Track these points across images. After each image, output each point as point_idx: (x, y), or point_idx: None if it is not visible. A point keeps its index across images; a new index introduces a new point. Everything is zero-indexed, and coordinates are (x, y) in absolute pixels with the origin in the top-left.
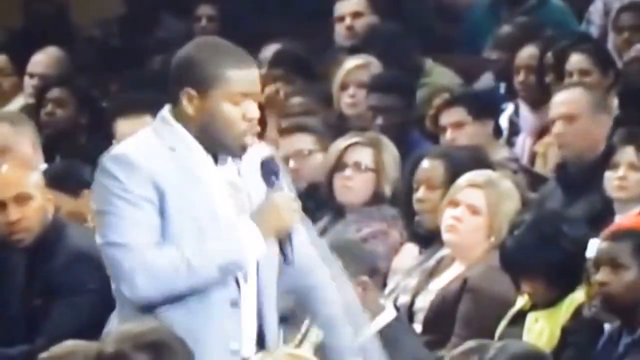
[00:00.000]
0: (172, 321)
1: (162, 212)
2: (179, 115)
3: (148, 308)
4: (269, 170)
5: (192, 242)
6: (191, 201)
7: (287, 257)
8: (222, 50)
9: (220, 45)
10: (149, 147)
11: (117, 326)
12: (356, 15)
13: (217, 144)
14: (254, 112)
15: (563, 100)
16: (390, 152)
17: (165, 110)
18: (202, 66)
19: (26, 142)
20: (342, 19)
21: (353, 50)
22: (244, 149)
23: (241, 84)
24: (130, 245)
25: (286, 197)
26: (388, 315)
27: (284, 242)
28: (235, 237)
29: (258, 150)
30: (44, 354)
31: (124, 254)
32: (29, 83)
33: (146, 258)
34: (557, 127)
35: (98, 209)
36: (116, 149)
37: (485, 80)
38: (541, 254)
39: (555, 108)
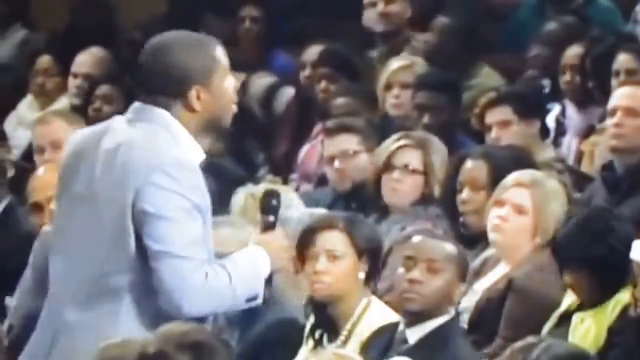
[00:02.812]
0: None
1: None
2: (182, 118)
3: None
4: (268, 207)
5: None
6: (208, 209)
7: (264, 297)
8: (201, 38)
9: (192, 35)
10: (188, 153)
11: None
12: (389, 1)
13: (214, 123)
14: (233, 79)
15: (628, 93)
16: (439, 152)
17: (169, 116)
18: (199, 60)
19: None
20: (374, 4)
21: (384, 36)
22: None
23: (225, 58)
24: (195, 260)
25: (279, 237)
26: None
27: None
28: (258, 272)
29: None
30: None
31: (189, 269)
32: (73, 83)
33: (207, 277)
34: (617, 117)
35: (156, 213)
36: (173, 152)
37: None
38: (589, 249)
39: (617, 100)
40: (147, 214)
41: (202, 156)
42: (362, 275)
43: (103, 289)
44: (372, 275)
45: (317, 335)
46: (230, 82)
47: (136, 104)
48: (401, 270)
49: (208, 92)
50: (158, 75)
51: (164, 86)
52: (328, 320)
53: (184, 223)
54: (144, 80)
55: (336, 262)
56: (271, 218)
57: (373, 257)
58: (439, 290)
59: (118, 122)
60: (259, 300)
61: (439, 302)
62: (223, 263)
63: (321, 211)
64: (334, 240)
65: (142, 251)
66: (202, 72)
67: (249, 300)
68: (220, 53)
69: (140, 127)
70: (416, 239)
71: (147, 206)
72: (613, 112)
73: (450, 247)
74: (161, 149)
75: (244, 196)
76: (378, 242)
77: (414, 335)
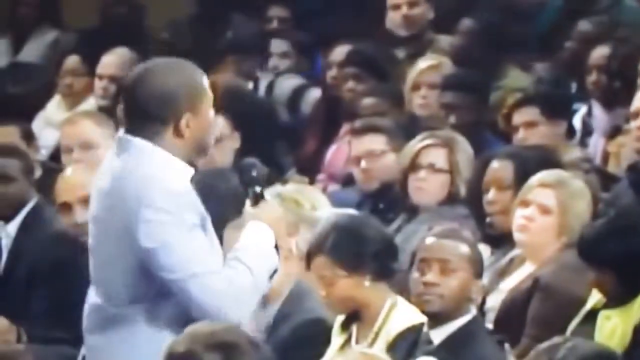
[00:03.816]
0: None
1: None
2: (169, 143)
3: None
4: (249, 180)
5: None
6: (206, 219)
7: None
8: (188, 66)
9: (181, 62)
10: (175, 173)
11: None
12: (412, 4)
13: (199, 151)
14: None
15: None
16: (465, 151)
17: (148, 147)
18: (194, 89)
19: (108, 143)
20: (397, 7)
21: (408, 40)
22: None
23: (207, 89)
24: (213, 271)
25: (271, 206)
26: (467, 315)
27: None
28: (266, 246)
29: None
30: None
31: (213, 282)
32: (98, 85)
33: (231, 281)
34: None
35: (158, 246)
36: (156, 183)
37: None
38: (615, 248)
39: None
40: (150, 250)
41: (190, 172)
42: (367, 283)
43: (116, 318)
44: (383, 276)
45: (346, 335)
46: (212, 112)
47: (118, 136)
48: (416, 274)
49: (196, 120)
50: (149, 102)
51: (154, 113)
52: (355, 321)
53: (187, 244)
54: (131, 108)
55: (333, 286)
56: (257, 189)
57: (375, 263)
58: (456, 290)
59: (108, 159)
60: (277, 270)
61: (457, 302)
62: (236, 256)
63: (348, 211)
64: (322, 268)
65: (152, 283)
66: (192, 99)
67: (270, 277)
68: (206, 82)
69: (124, 161)
70: (429, 240)
71: (146, 243)
72: (636, 115)
73: (462, 246)
74: (141, 184)
75: (272, 197)
76: (376, 246)
77: (438, 336)
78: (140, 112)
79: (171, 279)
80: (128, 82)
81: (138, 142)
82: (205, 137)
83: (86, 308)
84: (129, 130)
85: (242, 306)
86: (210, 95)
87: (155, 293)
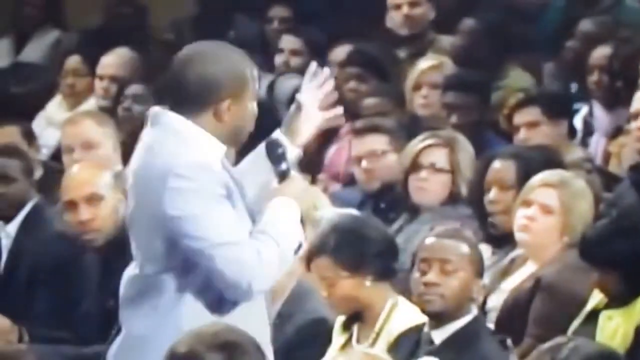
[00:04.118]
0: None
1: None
2: (208, 124)
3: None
4: (276, 156)
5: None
6: (233, 193)
7: None
8: (235, 54)
9: (229, 49)
10: (205, 146)
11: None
12: (413, 4)
13: (237, 138)
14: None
15: None
16: (466, 150)
17: (178, 120)
18: (240, 76)
19: (109, 142)
20: (398, 6)
21: (408, 40)
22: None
23: (254, 81)
24: (240, 241)
25: (297, 181)
26: (468, 315)
27: None
28: (293, 222)
29: None
30: None
31: (240, 251)
32: (99, 85)
33: (259, 252)
34: None
35: (183, 214)
36: (182, 155)
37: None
38: (617, 248)
39: (639, 102)
40: (175, 218)
41: (221, 151)
42: (368, 283)
43: (147, 287)
44: (384, 276)
45: (347, 335)
46: (254, 104)
47: (152, 110)
48: (417, 274)
49: (238, 106)
50: (192, 85)
51: (196, 95)
52: (357, 321)
53: (212, 213)
54: (174, 88)
55: (335, 287)
56: (283, 166)
57: (376, 263)
58: (457, 290)
59: (143, 134)
60: (302, 245)
61: (458, 302)
62: (263, 229)
63: (350, 211)
64: (324, 268)
65: (179, 253)
66: (237, 86)
67: (295, 252)
68: (254, 74)
69: (155, 132)
70: (429, 240)
71: (172, 211)
72: (636, 115)
73: (463, 245)
74: (169, 155)
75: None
76: (377, 246)
77: (439, 336)
78: (184, 92)
79: (195, 247)
80: (175, 62)
81: (170, 115)
82: (244, 125)
83: (124, 278)
84: (170, 109)
85: (266, 278)
86: (254, 86)
87: (183, 262)
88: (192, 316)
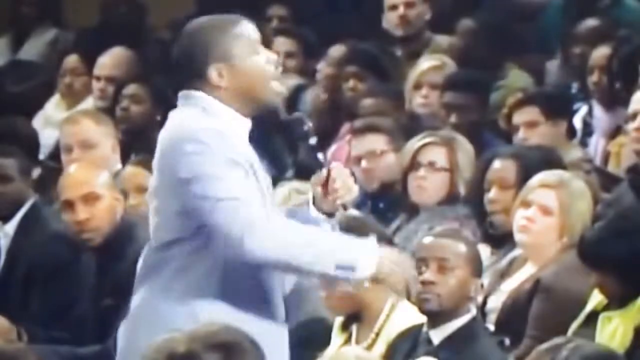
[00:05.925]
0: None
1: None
2: (213, 95)
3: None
4: (301, 132)
5: None
6: (252, 165)
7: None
8: (222, 18)
9: (216, 16)
10: (221, 117)
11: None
12: (409, 5)
13: (253, 100)
14: (272, 54)
15: None
16: (465, 150)
17: (194, 93)
18: (221, 39)
19: (108, 142)
20: (394, 7)
21: (404, 40)
22: (277, 94)
23: (254, 33)
24: (244, 199)
25: (401, 257)
26: (467, 314)
27: None
28: (355, 245)
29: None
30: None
31: (243, 204)
32: (96, 86)
33: (269, 218)
34: (638, 121)
35: (194, 176)
36: (200, 123)
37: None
38: (616, 249)
39: (637, 104)
40: (186, 180)
41: (247, 125)
42: (366, 284)
43: (157, 264)
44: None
45: (346, 335)
46: (260, 58)
47: (180, 93)
48: (414, 272)
49: (231, 69)
50: (181, 60)
51: (187, 69)
52: (356, 321)
53: (224, 175)
54: (173, 70)
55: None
56: (312, 141)
57: None
58: (454, 288)
59: (170, 114)
60: (357, 274)
61: (455, 301)
62: (317, 229)
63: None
64: None
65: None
66: (222, 50)
67: (341, 268)
68: (244, 29)
69: (175, 113)
70: (426, 239)
71: (183, 174)
72: (634, 116)
73: (460, 244)
74: (186, 122)
75: (289, 190)
76: None
77: (437, 336)
78: (177, 71)
79: (202, 205)
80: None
81: (197, 93)
82: (250, 84)
83: (142, 256)
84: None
85: (268, 249)
86: (251, 42)
87: (192, 236)
88: (196, 291)
